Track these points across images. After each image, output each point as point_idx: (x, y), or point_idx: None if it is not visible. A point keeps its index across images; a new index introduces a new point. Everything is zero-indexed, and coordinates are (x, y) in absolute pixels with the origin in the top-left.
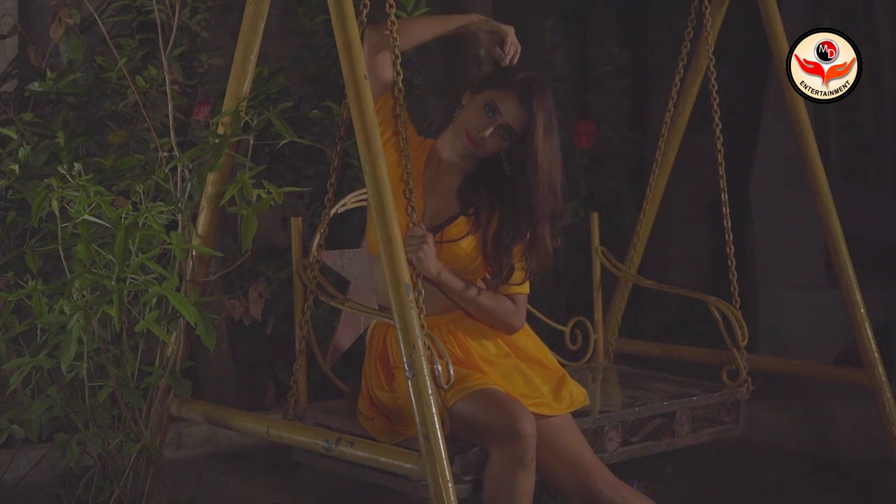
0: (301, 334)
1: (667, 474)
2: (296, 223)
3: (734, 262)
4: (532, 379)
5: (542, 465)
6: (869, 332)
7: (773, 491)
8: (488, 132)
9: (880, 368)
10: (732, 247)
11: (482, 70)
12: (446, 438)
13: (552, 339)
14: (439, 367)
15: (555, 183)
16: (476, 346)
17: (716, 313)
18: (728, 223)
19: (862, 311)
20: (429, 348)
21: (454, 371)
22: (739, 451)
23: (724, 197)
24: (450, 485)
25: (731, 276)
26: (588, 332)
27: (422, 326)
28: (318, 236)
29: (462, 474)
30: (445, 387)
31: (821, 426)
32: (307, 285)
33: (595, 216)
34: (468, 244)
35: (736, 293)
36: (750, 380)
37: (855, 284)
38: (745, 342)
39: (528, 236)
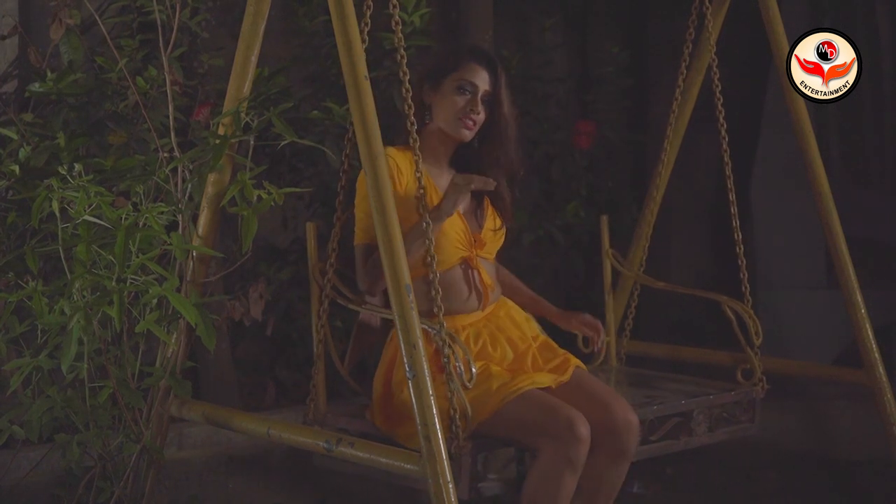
0: (318, 338)
1: (667, 475)
2: (311, 228)
3: (744, 262)
4: (555, 349)
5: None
6: (869, 333)
7: (774, 491)
8: (479, 107)
9: (881, 369)
10: (742, 246)
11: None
12: (470, 437)
13: (562, 342)
14: (461, 366)
15: (518, 134)
16: (502, 340)
17: (729, 313)
18: (736, 222)
19: (862, 311)
20: (450, 347)
21: (493, 370)
22: (740, 451)
23: (732, 196)
24: (450, 485)
25: (741, 276)
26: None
27: (442, 325)
28: (332, 240)
29: (485, 471)
30: (469, 385)
31: (821, 426)
32: (322, 288)
33: (604, 219)
34: (498, 222)
35: (748, 292)
36: (764, 379)
37: (855, 285)
38: (760, 341)
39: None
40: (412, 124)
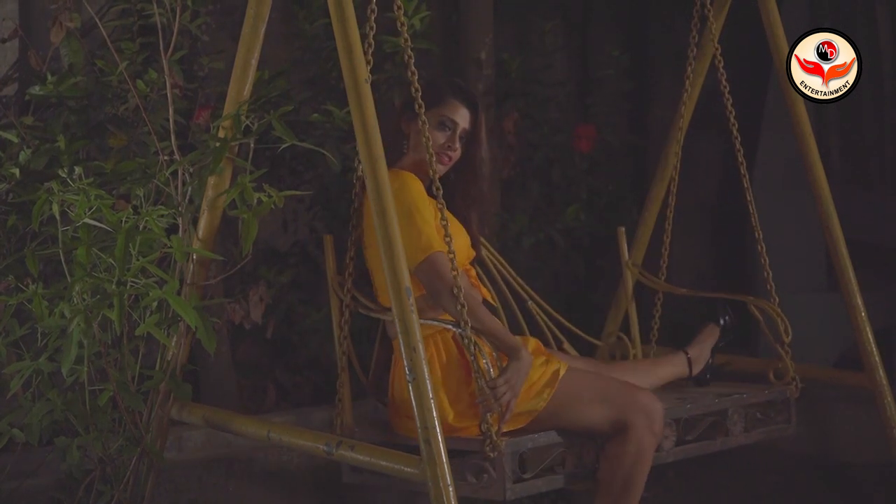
0: (341, 350)
1: (668, 477)
2: (328, 241)
3: (767, 260)
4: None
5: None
6: (870, 336)
7: (775, 493)
8: (456, 144)
9: (881, 371)
10: (763, 245)
11: (483, 75)
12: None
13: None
14: (489, 363)
15: (487, 169)
16: None
17: (756, 313)
18: (756, 220)
19: (863, 314)
20: (475, 345)
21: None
22: (741, 453)
23: (750, 196)
24: (451, 488)
25: (765, 275)
26: (625, 346)
27: (466, 322)
28: (350, 248)
29: (521, 472)
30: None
31: (822, 429)
32: (342, 300)
33: (622, 231)
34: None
35: (773, 290)
36: (797, 378)
37: (856, 288)
38: (790, 339)
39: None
40: (424, 123)
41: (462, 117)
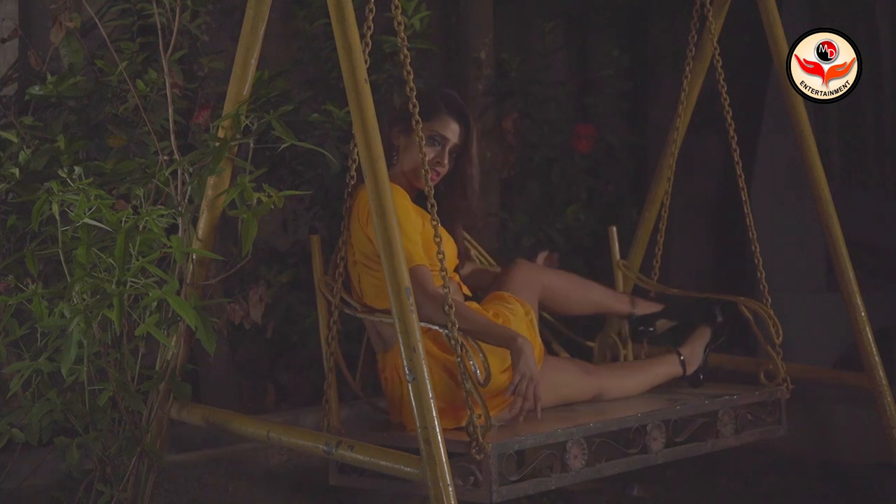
0: (328, 351)
1: (666, 477)
2: (315, 241)
3: (760, 261)
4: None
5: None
6: (869, 336)
7: (774, 494)
8: (445, 159)
9: (881, 372)
10: (758, 245)
11: (482, 75)
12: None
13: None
14: (475, 363)
15: (478, 175)
16: None
17: (746, 313)
18: (751, 221)
19: (863, 314)
20: (462, 345)
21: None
22: (740, 453)
23: (745, 196)
24: (450, 488)
25: (758, 275)
26: (616, 346)
27: (454, 323)
28: (341, 249)
29: (507, 475)
30: (484, 385)
31: (821, 429)
32: (331, 302)
33: (612, 230)
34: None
35: (766, 291)
36: (788, 379)
37: (855, 288)
38: (780, 340)
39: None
40: (417, 122)
41: (453, 133)
